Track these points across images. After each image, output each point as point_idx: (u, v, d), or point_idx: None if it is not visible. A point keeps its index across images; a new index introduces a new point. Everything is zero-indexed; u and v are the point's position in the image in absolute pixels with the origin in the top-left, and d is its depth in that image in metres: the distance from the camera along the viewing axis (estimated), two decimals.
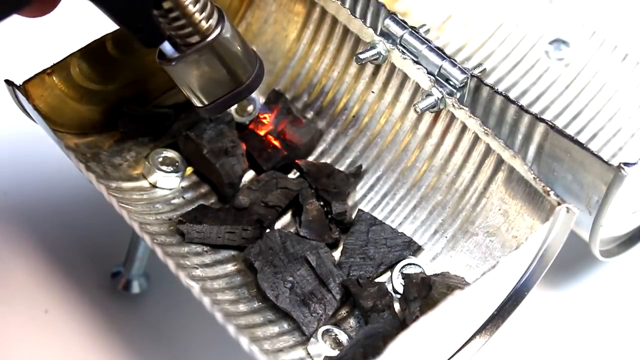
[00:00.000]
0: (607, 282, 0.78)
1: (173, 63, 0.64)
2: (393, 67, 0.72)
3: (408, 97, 0.72)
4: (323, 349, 0.64)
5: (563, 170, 0.68)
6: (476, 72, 0.69)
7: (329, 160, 0.75)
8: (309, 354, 0.65)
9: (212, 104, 0.67)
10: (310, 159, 0.75)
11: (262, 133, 0.75)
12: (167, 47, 0.64)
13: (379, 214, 0.72)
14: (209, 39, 0.64)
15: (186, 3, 0.62)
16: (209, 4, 0.63)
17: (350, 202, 0.73)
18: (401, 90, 0.72)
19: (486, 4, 0.86)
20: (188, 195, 0.72)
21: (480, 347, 0.65)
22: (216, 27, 0.64)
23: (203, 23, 0.63)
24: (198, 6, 0.62)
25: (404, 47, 0.70)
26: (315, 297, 0.66)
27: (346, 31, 0.74)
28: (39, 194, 0.79)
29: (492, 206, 0.68)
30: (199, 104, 0.67)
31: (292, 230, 0.71)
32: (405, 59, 0.70)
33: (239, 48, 0.66)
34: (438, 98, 0.68)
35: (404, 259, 0.70)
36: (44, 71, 0.67)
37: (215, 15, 0.64)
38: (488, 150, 0.67)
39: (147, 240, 0.61)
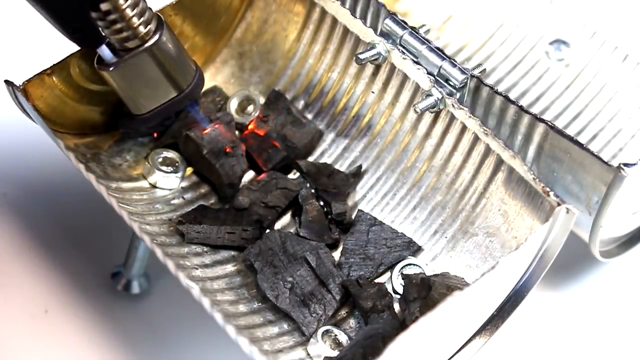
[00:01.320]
0: (607, 283, 0.78)
1: (110, 68, 0.64)
2: (393, 67, 0.72)
3: (408, 97, 0.72)
4: (323, 350, 0.64)
5: (563, 171, 0.68)
6: (476, 72, 0.69)
7: (329, 160, 0.75)
8: (308, 354, 0.65)
9: (150, 112, 0.67)
10: (310, 159, 0.75)
11: (262, 133, 0.75)
12: (105, 51, 0.64)
13: (379, 214, 0.72)
14: (147, 44, 0.64)
15: (124, 6, 0.62)
16: (147, 10, 0.64)
17: (350, 202, 0.73)
18: (401, 90, 0.72)
19: (486, 5, 0.86)
20: (188, 196, 0.72)
21: (480, 348, 0.65)
22: (155, 32, 0.64)
23: (141, 28, 0.63)
24: (136, 10, 0.62)
25: (404, 47, 0.70)
26: (315, 297, 0.66)
27: (346, 31, 0.74)
28: (39, 194, 0.79)
29: (491, 206, 0.68)
30: (136, 112, 0.67)
31: (292, 230, 0.71)
32: (405, 59, 0.70)
33: (178, 55, 0.66)
34: (438, 98, 0.68)
35: (403, 259, 0.70)
36: (44, 71, 0.67)
37: (154, 21, 0.64)
38: (488, 151, 0.67)
39: (147, 240, 0.61)
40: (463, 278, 0.67)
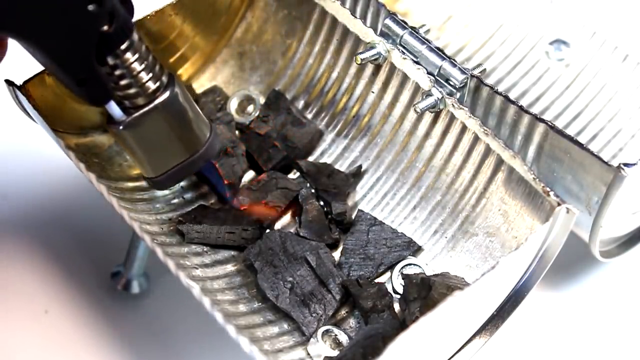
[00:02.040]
0: (606, 283, 0.78)
1: (120, 127, 0.60)
2: (393, 67, 0.72)
3: (408, 97, 0.72)
4: (323, 350, 0.64)
5: (563, 171, 0.68)
6: (476, 72, 0.69)
7: (329, 160, 0.75)
8: (308, 354, 0.65)
9: (163, 175, 0.63)
10: (310, 159, 0.75)
11: (262, 133, 0.75)
12: (114, 108, 0.60)
13: (379, 214, 0.72)
14: (157, 101, 0.60)
15: (131, 60, 0.58)
16: (157, 64, 0.60)
17: (350, 202, 0.73)
18: (401, 90, 0.72)
19: (486, 5, 0.86)
20: (188, 195, 0.72)
21: (480, 348, 0.65)
22: (166, 88, 0.60)
23: (150, 84, 0.59)
24: (145, 64, 0.58)
25: (404, 47, 0.70)
26: (315, 297, 0.66)
27: (346, 31, 0.74)
28: (39, 193, 0.79)
29: (492, 206, 0.68)
30: (148, 175, 0.64)
31: (292, 230, 0.71)
32: (405, 59, 0.70)
33: (190, 113, 0.62)
34: (438, 98, 0.68)
35: (403, 259, 0.70)
36: (43, 71, 0.67)
37: (165, 77, 0.60)
38: (488, 151, 0.67)
39: (147, 240, 0.61)
40: (463, 278, 0.67)
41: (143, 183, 0.71)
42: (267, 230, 0.70)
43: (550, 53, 0.84)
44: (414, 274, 0.68)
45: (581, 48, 0.83)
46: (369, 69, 0.73)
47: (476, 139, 0.68)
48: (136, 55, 0.57)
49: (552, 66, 0.83)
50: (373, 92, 0.74)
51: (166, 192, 0.72)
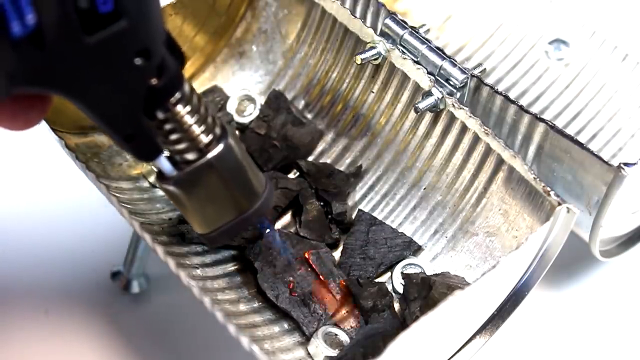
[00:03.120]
0: (607, 282, 0.78)
1: (170, 183, 0.55)
2: (393, 67, 0.72)
3: (408, 97, 0.72)
4: (323, 349, 0.64)
5: (563, 171, 0.68)
6: (476, 72, 0.69)
7: (329, 160, 0.75)
8: (309, 354, 0.65)
9: (215, 231, 0.58)
10: (310, 159, 0.75)
11: (262, 133, 0.75)
12: (164, 163, 0.55)
13: (379, 214, 0.72)
14: (210, 155, 0.54)
15: (182, 113, 0.53)
16: (209, 116, 0.54)
17: (350, 202, 0.73)
18: (401, 90, 0.72)
19: (486, 4, 0.86)
20: None
21: (480, 347, 0.65)
22: (219, 141, 0.55)
23: (202, 137, 0.54)
24: (197, 117, 0.53)
25: (404, 47, 0.70)
26: (315, 297, 0.66)
27: (346, 31, 0.74)
28: (39, 193, 0.79)
29: (492, 206, 0.68)
30: (200, 231, 0.59)
31: (292, 230, 0.71)
32: (405, 59, 0.70)
33: (244, 167, 0.57)
34: (438, 98, 0.68)
35: (404, 259, 0.70)
36: None
37: (218, 128, 0.55)
38: (488, 150, 0.67)
39: (147, 239, 0.61)
40: (463, 278, 0.67)
41: (143, 183, 0.71)
42: (268, 230, 0.70)
43: (550, 52, 0.84)
44: (414, 273, 0.68)
45: (581, 47, 0.83)
46: (369, 69, 0.73)
47: (476, 138, 0.68)
48: (187, 108, 0.53)
49: (551, 66, 0.83)
50: (373, 92, 0.74)
51: None
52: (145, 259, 0.72)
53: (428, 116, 0.71)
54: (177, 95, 0.52)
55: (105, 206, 0.65)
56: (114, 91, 0.48)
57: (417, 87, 0.71)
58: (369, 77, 0.74)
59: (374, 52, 0.71)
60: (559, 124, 0.75)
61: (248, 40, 0.79)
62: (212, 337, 0.72)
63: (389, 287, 0.69)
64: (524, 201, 0.65)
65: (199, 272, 0.66)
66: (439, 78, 0.69)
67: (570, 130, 0.73)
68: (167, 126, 0.53)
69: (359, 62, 0.71)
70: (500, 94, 0.69)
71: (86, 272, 0.75)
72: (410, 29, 0.70)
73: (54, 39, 0.43)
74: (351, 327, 0.67)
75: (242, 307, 0.66)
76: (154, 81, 0.50)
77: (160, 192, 0.71)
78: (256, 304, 0.67)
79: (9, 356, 0.71)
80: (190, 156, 0.54)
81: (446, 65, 0.68)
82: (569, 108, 0.81)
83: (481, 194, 0.69)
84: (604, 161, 0.65)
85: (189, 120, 0.53)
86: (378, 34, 0.71)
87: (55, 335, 0.72)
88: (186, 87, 0.52)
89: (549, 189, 0.62)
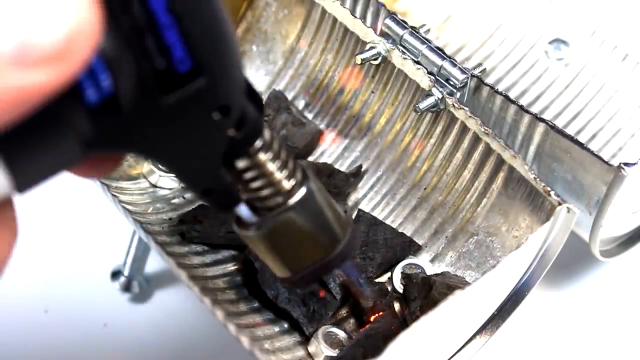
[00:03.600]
0: (607, 282, 0.78)
1: (251, 230, 0.53)
2: (393, 67, 0.72)
3: (408, 97, 0.72)
4: (323, 349, 0.64)
5: (563, 171, 0.68)
6: (476, 72, 0.69)
7: (329, 160, 0.75)
8: (309, 353, 0.65)
9: (297, 275, 0.55)
10: (310, 159, 0.75)
11: None
12: (243, 210, 0.52)
13: (379, 214, 0.72)
14: (293, 201, 0.52)
15: (263, 160, 0.50)
16: (291, 160, 0.52)
17: (350, 202, 0.73)
18: (401, 90, 0.72)
19: (486, 4, 0.85)
20: (188, 195, 0.72)
21: (481, 347, 0.65)
22: (300, 186, 0.52)
23: (284, 183, 0.51)
24: (278, 164, 0.51)
25: (404, 47, 0.70)
26: (315, 297, 0.66)
27: (346, 31, 0.74)
28: (39, 193, 0.79)
29: (492, 206, 0.68)
30: (281, 275, 0.56)
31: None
32: (405, 59, 0.70)
33: (327, 211, 0.54)
34: (438, 98, 0.68)
35: (404, 258, 0.70)
36: None
37: (299, 173, 0.52)
38: (488, 151, 0.67)
39: (147, 239, 0.61)
40: (463, 277, 0.67)
41: (143, 183, 0.72)
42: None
43: (550, 52, 0.84)
44: (415, 273, 0.68)
45: (581, 47, 0.83)
46: (369, 69, 0.73)
47: (476, 138, 0.68)
48: (269, 155, 0.50)
49: (551, 65, 0.83)
50: (373, 92, 0.74)
51: (166, 191, 0.72)
52: (145, 259, 0.72)
53: (428, 116, 0.71)
54: (258, 142, 0.50)
55: (105, 206, 0.65)
56: (193, 148, 0.46)
57: (417, 87, 0.71)
58: (369, 77, 0.74)
59: (374, 52, 0.71)
60: (559, 123, 0.75)
61: (248, 40, 0.79)
62: (212, 337, 0.72)
63: (389, 287, 0.69)
64: (524, 201, 0.65)
65: (199, 272, 0.66)
66: (439, 78, 0.69)
67: (570, 130, 0.73)
68: (248, 175, 0.50)
69: (359, 62, 0.71)
70: (501, 93, 0.69)
71: (86, 272, 0.75)
72: (410, 29, 0.70)
73: (130, 103, 0.41)
74: (351, 327, 0.67)
75: (242, 306, 0.66)
76: (233, 133, 0.47)
77: (160, 192, 0.71)
78: (256, 304, 0.67)
79: (9, 356, 0.71)
80: (272, 202, 0.52)
81: (446, 65, 0.68)
82: (568, 108, 0.81)
83: (481, 194, 0.69)
84: (604, 161, 0.64)
85: (271, 167, 0.51)
86: (378, 34, 0.71)
87: (55, 335, 0.72)
88: (267, 134, 0.50)
89: (549, 189, 0.62)
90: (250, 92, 0.48)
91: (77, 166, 0.42)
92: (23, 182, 0.39)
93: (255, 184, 0.51)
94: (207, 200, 0.50)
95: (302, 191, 0.52)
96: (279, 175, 0.51)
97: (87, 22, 0.36)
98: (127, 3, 0.39)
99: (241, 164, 0.50)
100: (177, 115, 0.43)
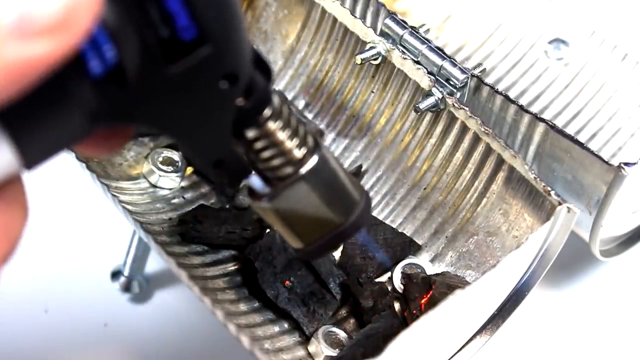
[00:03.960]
0: (607, 282, 0.78)
1: (265, 201, 0.52)
2: (393, 67, 0.72)
3: (408, 97, 0.72)
4: (323, 349, 0.64)
5: (563, 170, 0.68)
6: (476, 71, 0.69)
7: None
8: (309, 353, 0.65)
9: (311, 246, 0.55)
10: None
11: None
12: (255, 181, 0.52)
13: (379, 214, 0.72)
14: (304, 170, 0.51)
15: (273, 129, 0.49)
16: (300, 128, 0.51)
17: None
18: (401, 90, 0.72)
19: (486, 4, 0.85)
20: (188, 195, 0.72)
21: (481, 347, 0.65)
22: (312, 155, 0.51)
23: (295, 152, 0.51)
24: (289, 131, 0.50)
25: (404, 47, 0.70)
26: (316, 297, 0.66)
27: (346, 31, 0.74)
28: (39, 193, 0.79)
29: (492, 206, 0.68)
30: (295, 246, 0.56)
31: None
32: (405, 59, 0.70)
33: (340, 180, 0.54)
34: (438, 98, 0.68)
35: (404, 258, 0.70)
36: None
37: (310, 142, 0.51)
38: (488, 150, 0.67)
39: (147, 239, 0.61)
40: (464, 277, 0.67)
41: (143, 183, 0.72)
42: (268, 230, 0.70)
43: (549, 52, 0.84)
44: (415, 273, 0.68)
45: (580, 47, 0.83)
46: (369, 69, 0.73)
47: (477, 138, 0.68)
48: (278, 123, 0.50)
49: (551, 65, 0.83)
50: (373, 92, 0.74)
51: (166, 191, 0.72)
52: (145, 259, 0.72)
53: (428, 116, 0.71)
54: (267, 111, 0.49)
55: (105, 206, 0.65)
56: (201, 119, 0.46)
57: (417, 87, 0.71)
58: (369, 77, 0.74)
59: (374, 52, 0.71)
60: (559, 123, 0.75)
61: None
62: (212, 337, 0.72)
63: (389, 287, 0.69)
64: (525, 201, 0.65)
65: (199, 272, 0.66)
66: (439, 78, 0.69)
67: (569, 130, 0.73)
68: (258, 144, 0.50)
69: (359, 62, 0.71)
70: (501, 93, 0.69)
71: (86, 272, 0.75)
72: (410, 29, 0.70)
73: (135, 74, 0.40)
74: (351, 327, 0.67)
75: (242, 306, 0.66)
76: (242, 102, 0.47)
77: (160, 192, 0.71)
78: (256, 304, 0.67)
79: (9, 356, 0.71)
80: (284, 172, 0.51)
81: (446, 65, 0.68)
82: (568, 107, 0.81)
83: (481, 194, 0.69)
84: (604, 161, 0.65)
85: (281, 135, 0.50)
86: (378, 33, 0.71)
87: (55, 335, 0.72)
88: (276, 101, 0.49)
89: (549, 188, 0.62)
90: (258, 61, 0.47)
91: (84, 141, 0.42)
92: (31, 158, 0.38)
93: (266, 154, 0.50)
94: (217, 172, 0.49)
95: (314, 160, 0.51)
96: (290, 144, 0.50)
97: None
98: None
99: (251, 133, 0.49)
100: (183, 84, 0.43)
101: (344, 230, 0.54)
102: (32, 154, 0.39)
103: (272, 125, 0.49)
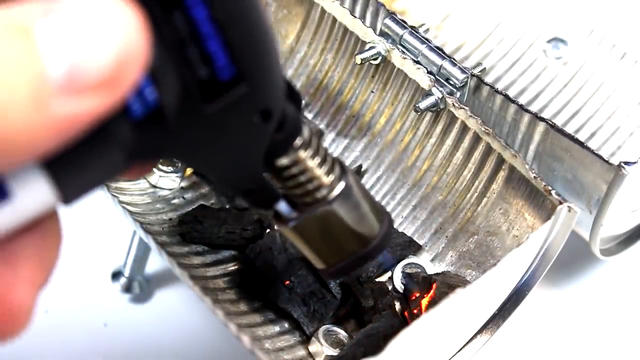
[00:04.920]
0: (607, 281, 0.78)
1: (290, 224, 0.53)
2: (393, 67, 0.72)
3: (408, 96, 0.72)
4: (324, 348, 0.64)
5: (563, 170, 0.68)
6: (476, 71, 0.69)
7: None
8: (309, 353, 0.65)
9: (334, 266, 0.56)
10: None
11: None
12: (282, 206, 0.53)
13: None
14: (331, 196, 0.52)
15: (303, 157, 0.50)
16: (328, 155, 0.52)
17: None
18: (401, 90, 0.72)
19: (484, 3, 0.86)
20: (188, 195, 0.72)
21: (482, 346, 0.65)
22: (339, 181, 0.52)
23: (323, 178, 0.52)
24: (318, 160, 0.51)
25: (403, 46, 0.70)
26: (316, 296, 0.66)
27: (346, 31, 0.74)
28: None
29: (492, 206, 0.68)
30: (319, 266, 0.57)
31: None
32: (405, 58, 0.70)
33: (365, 204, 0.54)
34: (438, 98, 0.68)
35: (404, 258, 0.70)
36: None
37: (337, 168, 0.53)
38: (488, 150, 0.67)
39: (147, 240, 0.61)
40: (464, 277, 0.67)
41: (143, 183, 0.71)
42: (268, 230, 0.70)
43: (548, 51, 0.84)
44: (415, 272, 0.68)
45: (579, 46, 0.83)
46: (369, 69, 0.73)
47: (477, 138, 0.68)
48: (309, 152, 0.50)
49: (550, 64, 0.83)
50: (373, 92, 0.74)
51: (166, 192, 0.72)
52: (145, 260, 0.72)
53: (428, 116, 0.71)
54: (298, 141, 0.50)
55: (105, 206, 0.65)
56: (234, 153, 0.46)
57: (417, 87, 0.71)
58: (368, 77, 0.74)
59: (373, 52, 0.71)
60: (558, 122, 0.75)
61: None
62: (212, 337, 0.72)
63: (390, 287, 0.69)
64: (525, 200, 0.65)
65: (199, 271, 0.66)
66: (439, 78, 0.69)
67: (568, 129, 0.73)
68: (288, 172, 0.50)
69: (358, 62, 0.71)
70: (501, 93, 0.69)
71: (86, 273, 0.75)
72: (410, 29, 0.70)
73: (174, 113, 0.41)
74: (352, 326, 0.67)
75: (243, 306, 0.66)
76: (274, 134, 0.47)
77: (160, 193, 0.71)
78: (256, 304, 0.67)
79: (9, 356, 0.71)
80: (311, 197, 0.52)
81: (446, 64, 0.68)
82: (567, 106, 0.81)
83: (482, 194, 0.69)
84: (604, 160, 0.65)
85: (310, 163, 0.51)
86: (378, 33, 0.71)
87: (55, 335, 0.72)
88: (306, 132, 0.50)
89: (549, 188, 0.62)
90: (290, 91, 0.48)
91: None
92: (69, 195, 0.38)
93: (296, 181, 0.51)
94: (248, 200, 0.50)
95: (341, 185, 0.52)
96: (319, 171, 0.51)
97: (136, 43, 0.35)
98: (171, 16, 0.38)
99: (282, 162, 0.50)
100: (219, 121, 0.43)
101: (367, 252, 0.55)
102: (70, 192, 0.38)
103: (302, 154, 0.50)
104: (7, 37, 0.33)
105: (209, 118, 0.42)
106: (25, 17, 0.34)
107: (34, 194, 0.38)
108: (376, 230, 0.55)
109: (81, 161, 0.38)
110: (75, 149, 0.37)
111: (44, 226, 0.40)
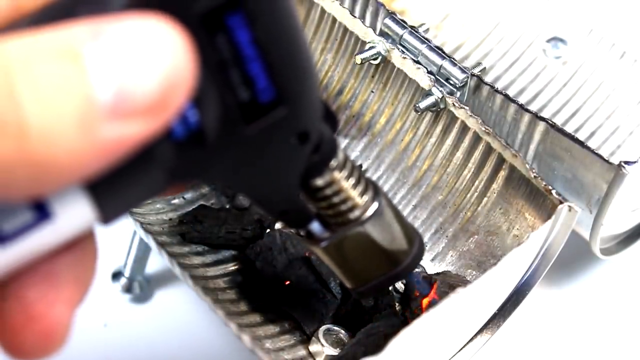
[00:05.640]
0: (607, 280, 0.78)
1: (322, 245, 0.53)
2: (393, 67, 0.72)
3: (408, 96, 0.72)
4: (324, 348, 0.64)
5: (563, 169, 0.68)
6: (476, 71, 0.69)
7: None
8: (310, 353, 0.65)
9: (364, 286, 0.56)
10: None
11: None
12: (316, 227, 0.53)
13: None
14: (365, 217, 0.52)
15: (338, 178, 0.50)
16: (362, 177, 0.52)
17: None
18: (401, 89, 0.72)
19: (484, 3, 0.86)
20: (188, 196, 0.72)
21: (482, 346, 0.65)
22: (372, 202, 0.52)
23: (357, 199, 0.52)
24: (352, 181, 0.51)
25: (403, 46, 0.70)
26: (316, 296, 0.66)
27: (346, 31, 0.74)
28: None
29: (493, 205, 0.68)
30: (349, 285, 0.57)
31: (292, 230, 0.71)
32: (405, 58, 0.70)
33: (396, 225, 0.55)
34: (438, 97, 0.68)
35: None
36: None
37: (371, 190, 0.53)
38: (489, 150, 0.67)
39: (147, 240, 0.61)
40: (464, 277, 0.67)
41: None
42: (268, 230, 0.70)
43: (548, 51, 0.84)
44: (415, 272, 0.68)
45: (578, 45, 0.83)
46: (369, 69, 0.73)
47: (477, 138, 0.68)
48: (344, 173, 0.51)
49: (549, 64, 0.83)
50: (373, 92, 0.74)
51: None
52: (145, 260, 0.72)
53: (428, 116, 0.71)
54: (333, 162, 0.50)
55: None
56: (271, 174, 0.46)
57: (417, 87, 0.71)
58: (368, 77, 0.74)
59: (373, 51, 0.71)
60: (557, 121, 0.75)
61: None
62: (213, 337, 0.72)
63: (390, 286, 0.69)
64: (525, 200, 0.65)
65: (199, 271, 0.66)
66: (439, 77, 0.69)
67: (568, 128, 0.73)
68: (323, 193, 0.51)
69: (358, 61, 0.71)
70: (501, 92, 0.69)
71: None
72: (410, 29, 0.70)
73: (215, 135, 0.41)
74: (352, 326, 0.67)
75: (243, 306, 0.66)
76: (311, 156, 0.47)
77: None
78: (257, 304, 0.67)
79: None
80: (345, 218, 0.52)
81: (446, 64, 0.69)
82: (567, 106, 0.81)
83: (482, 193, 0.69)
84: (604, 159, 0.65)
85: (345, 184, 0.51)
86: (377, 33, 0.71)
87: None
88: (340, 154, 0.50)
89: (550, 187, 0.62)
90: (327, 112, 0.48)
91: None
92: (109, 215, 0.38)
93: (330, 202, 0.51)
94: (282, 220, 0.50)
95: (374, 206, 0.52)
96: (353, 193, 0.51)
97: (183, 68, 0.35)
98: (214, 39, 0.39)
99: (317, 183, 0.50)
100: (257, 143, 0.43)
101: (398, 272, 0.55)
102: (110, 212, 0.38)
103: (338, 175, 0.50)
104: (56, 60, 0.33)
105: (248, 140, 0.43)
106: (74, 40, 0.33)
107: (75, 214, 0.37)
108: (407, 250, 0.55)
109: (122, 182, 0.38)
110: (117, 170, 0.37)
111: (81, 246, 0.40)
